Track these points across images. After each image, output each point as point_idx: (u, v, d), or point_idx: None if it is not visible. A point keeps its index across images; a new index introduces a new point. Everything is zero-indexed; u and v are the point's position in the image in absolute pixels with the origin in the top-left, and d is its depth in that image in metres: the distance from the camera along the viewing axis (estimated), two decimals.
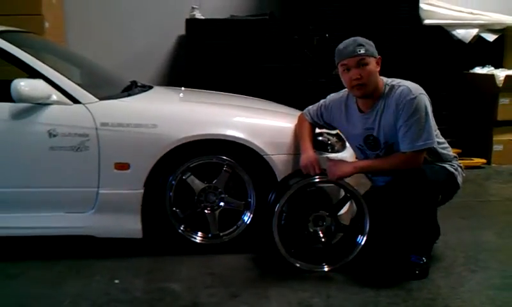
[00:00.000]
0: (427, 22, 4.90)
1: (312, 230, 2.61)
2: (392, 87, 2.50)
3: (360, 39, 2.49)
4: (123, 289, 2.42)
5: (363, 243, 2.60)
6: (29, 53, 2.70)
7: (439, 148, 2.55)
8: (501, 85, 4.71)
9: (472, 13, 5.10)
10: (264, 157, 2.70)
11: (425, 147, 2.44)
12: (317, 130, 2.84)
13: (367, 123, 2.56)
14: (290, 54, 4.77)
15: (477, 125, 5.06)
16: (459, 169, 2.61)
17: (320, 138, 2.85)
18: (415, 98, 2.42)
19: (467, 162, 4.53)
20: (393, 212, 2.53)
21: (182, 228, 2.79)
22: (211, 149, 2.73)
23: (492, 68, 4.92)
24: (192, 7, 4.97)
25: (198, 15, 4.93)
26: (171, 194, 2.75)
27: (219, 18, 4.96)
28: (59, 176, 2.66)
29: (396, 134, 2.47)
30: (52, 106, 2.63)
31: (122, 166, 2.64)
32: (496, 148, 4.85)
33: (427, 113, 2.43)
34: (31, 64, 2.67)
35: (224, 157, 2.74)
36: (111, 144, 2.64)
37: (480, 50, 5.02)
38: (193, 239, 2.81)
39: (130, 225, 2.69)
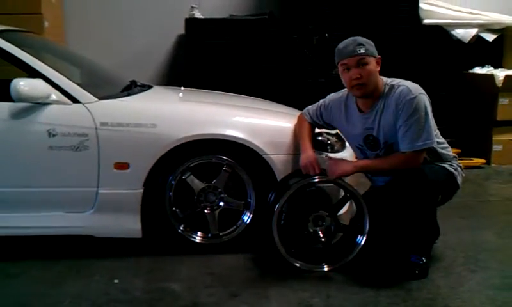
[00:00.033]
0: (426, 21, 4.89)
1: (311, 230, 2.61)
2: (392, 87, 2.50)
3: (360, 39, 2.49)
4: (123, 289, 2.42)
5: (362, 243, 2.59)
6: (28, 52, 2.70)
7: (439, 148, 2.55)
8: (500, 85, 4.71)
9: (471, 13, 5.09)
10: (264, 156, 2.70)
11: (425, 147, 2.44)
12: (317, 130, 2.84)
13: (366, 122, 2.56)
14: (290, 54, 4.77)
15: (476, 125, 5.06)
16: (458, 169, 2.61)
17: (319, 138, 2.85)
18: (415, 97, 2.42)
19: (467, 162, 4.52)
20: (393, 212, 2.53)
21: (181, 228, 2.79)
22: (211, 149, 2.73)
23: (491, 68, 4.91)
24: (192, 7, 4.97)
25: (198, 15, 4.93)
26: (170, 193, 2.74)
27: (218, 18, 4.96)
28: (59, 175, 2.66)
29: (396, 134, 2.47)
30: (51, 106, 2.63)
31: (122, 166, 2.64)
32: (496, 148, 4.85)
33: (426, 113, 2.43)
34: (31, 63, 2.66)
35: (224, 157, 2.74)
36: (111, 143, 2.63)
37: (479, 50, 5.02)
38: (193, 239, 2.81)
39: (130, 225, 2.69)
